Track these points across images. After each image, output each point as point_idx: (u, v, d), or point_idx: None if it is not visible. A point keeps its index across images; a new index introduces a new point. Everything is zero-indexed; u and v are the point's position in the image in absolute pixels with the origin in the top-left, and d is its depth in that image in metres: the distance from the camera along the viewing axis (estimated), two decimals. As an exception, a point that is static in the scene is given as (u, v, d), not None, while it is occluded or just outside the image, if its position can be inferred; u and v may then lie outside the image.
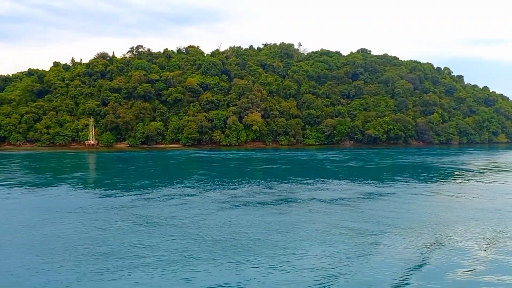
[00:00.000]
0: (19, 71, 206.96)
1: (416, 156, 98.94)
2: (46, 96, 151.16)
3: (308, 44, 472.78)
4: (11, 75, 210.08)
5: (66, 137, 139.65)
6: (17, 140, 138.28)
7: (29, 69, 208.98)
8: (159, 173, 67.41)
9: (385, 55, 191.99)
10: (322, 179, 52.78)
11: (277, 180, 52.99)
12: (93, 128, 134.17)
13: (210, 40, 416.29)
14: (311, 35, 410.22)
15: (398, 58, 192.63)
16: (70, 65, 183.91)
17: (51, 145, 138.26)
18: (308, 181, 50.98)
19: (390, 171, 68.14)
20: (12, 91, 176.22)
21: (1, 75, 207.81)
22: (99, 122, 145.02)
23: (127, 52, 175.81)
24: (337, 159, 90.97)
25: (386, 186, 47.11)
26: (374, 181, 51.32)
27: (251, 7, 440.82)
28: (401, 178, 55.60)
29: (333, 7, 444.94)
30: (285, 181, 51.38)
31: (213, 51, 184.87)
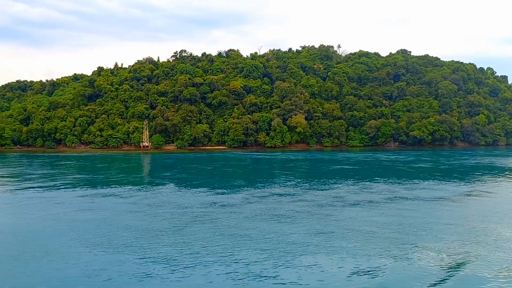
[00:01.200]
0: (63, 76, 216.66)
1: (478, 157, 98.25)
2: (98, 100, 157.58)
3: (345, 46, 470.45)
4: (55, 79, 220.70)
5: (118, 139, 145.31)
6: (73, 143, 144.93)
7: (74, 74, 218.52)
8: (241, 174, 70.76)
9: (426, 55, 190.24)
10: (410, 180, 53.73)
11: (368, 180, 54.67)
12: (147, 131, 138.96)
13: (237, 43, 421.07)
14: (345, 36, 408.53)
15: (439, 59, 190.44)
16: (114, 69, 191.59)
17: (104, 147, 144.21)
18: (400, 181, 52.39)
19: (472, 171, 68.29)
20: (61, 95, 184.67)
21: (48, 80, 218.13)
22: (148, 125, 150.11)
23: (171, 57, 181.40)
24: (402, 160, 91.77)
25: (483, 185, 48.18)
26: (466, 181, 52.37)
27: (278, 10, 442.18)
28: (490, 177, 56.57)
29: (368, 8, 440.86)
30: (379, 181, 52.91)
31: (253, 54, 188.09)
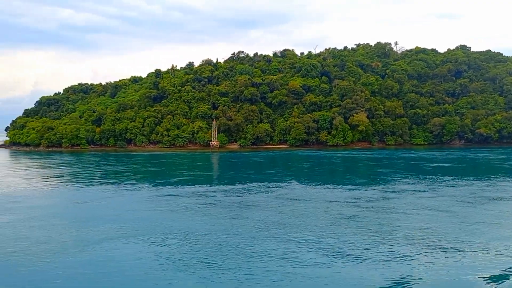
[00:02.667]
0: (120, 79, 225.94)
1: None
2: (163, 101, 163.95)
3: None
4: (112, 82, 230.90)
5: (184, 139, 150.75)
6: (142, 142, 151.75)
7: (132, 76, 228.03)
8: (332, 172, 73.55)
9: (488, 51, 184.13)
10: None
11: (490, 178, 56.09)
12: (216, 131, 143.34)
13: (275, 43, 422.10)
14: (388, 33, 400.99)
15: (502, 54, 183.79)
16: (172, 71, 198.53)
17: (172, 146, 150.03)
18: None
19: None
20: (124, 97, 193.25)
21: (108, 83, 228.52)
22: (211, 125, 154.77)
23: (229, 58, 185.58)
24: (492, 158, 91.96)
25: None
26: None
27: (317, 8, 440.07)
28: None
29: (415, 3, 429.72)
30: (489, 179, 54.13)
31: (309, 53, 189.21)
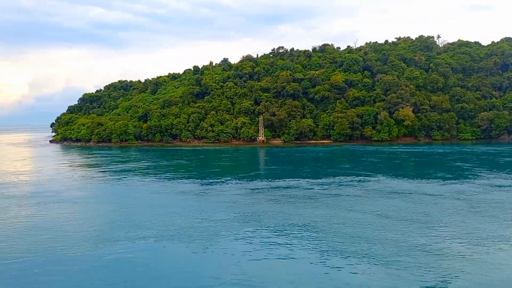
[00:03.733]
0: (158, 76, 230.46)
1: None
2: (206, 97, 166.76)
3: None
4: (150, 79, 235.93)
5: (228, 134, 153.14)
6: (187, 138, 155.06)
7: (169, 73, 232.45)
8: (416, 167, 74.94)
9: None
10: None
11: None
12: (263, 126, 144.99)
13: (304, 38, 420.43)
14: (420, 25, 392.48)
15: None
16: (210, 67, 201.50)
17: (216, 141, 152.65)
18: None
19: None
20: (164, 93, 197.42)
21: (147, 80, 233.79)
22: (254, 120, 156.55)
23: (269, 54, 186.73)
24: None
25: None
26: None
27: (346, 2, 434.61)
28: None
29: None
30: None
31: (349, 48, 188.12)
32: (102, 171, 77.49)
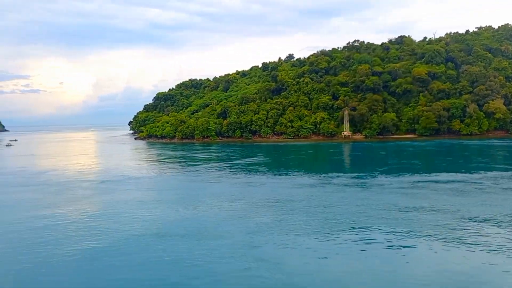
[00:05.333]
0: (226, 73, 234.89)
1: None
2: (282, 93, 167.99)
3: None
4: (217, 76, 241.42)
5: (308, 130, 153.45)
6: (267, 134, 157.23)
7: (237, 70, 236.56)
8: None
9: None
10: None
11: None
12: (348, 121, 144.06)
13: (358, 31, 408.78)
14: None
15: None
16: (279, 63, 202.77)
17: (296, 137, 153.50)
18: None
19: None
20: (236, 90, 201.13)
21: (217, 77, 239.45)
22: (333, 116, 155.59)
23: (343, 48, 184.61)
24: None
25: None
26: None
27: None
28: None
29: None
30: None
31: (427, 39, 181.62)
32: (229, 167, 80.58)
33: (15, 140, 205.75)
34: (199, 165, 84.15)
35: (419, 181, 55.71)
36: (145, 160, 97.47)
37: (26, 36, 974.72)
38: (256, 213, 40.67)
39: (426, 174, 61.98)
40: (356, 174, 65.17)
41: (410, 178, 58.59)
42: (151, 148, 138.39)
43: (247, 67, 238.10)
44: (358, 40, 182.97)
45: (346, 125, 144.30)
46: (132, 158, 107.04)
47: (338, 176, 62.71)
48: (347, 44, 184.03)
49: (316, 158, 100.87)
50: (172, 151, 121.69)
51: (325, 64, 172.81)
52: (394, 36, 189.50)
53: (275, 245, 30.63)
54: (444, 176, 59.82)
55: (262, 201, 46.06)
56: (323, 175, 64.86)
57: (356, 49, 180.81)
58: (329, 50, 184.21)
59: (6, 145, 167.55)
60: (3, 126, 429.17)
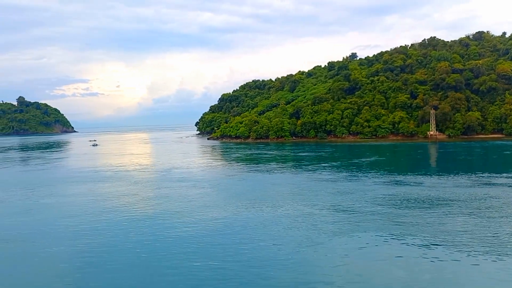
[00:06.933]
0: (288, 74, 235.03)
1: None
2: (356, 92, 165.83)
3: None
4: (279, 77, 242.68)
5: (386, 130, 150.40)
6: (342, 133, 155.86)
7: (299, 70, 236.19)
8: None
9: None
10: None
11: None
12: (434, 120, 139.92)
13: (413, 28, 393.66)
14: None
15: None
16: (346, 62, 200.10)
17: (373, 137, 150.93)
18: None
19: None
20: (304, 90, 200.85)
21: (281, 77, 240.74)
22: (412, 115, 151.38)
23: (419, 45, 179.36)
24: None
25: None
26: None
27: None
28: None
29: None
30: None
31: (511, 34, 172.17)
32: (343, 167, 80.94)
33: (94, 140, 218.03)
34: (317, 164, 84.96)
35: None
36: (239, 159, 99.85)
37: (90, 42, 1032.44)
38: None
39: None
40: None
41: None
42: (231, 148, 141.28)
43: (302, 68, 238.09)
44: (435, 37, 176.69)
45: (432, 124, 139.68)
46: (223, 157, 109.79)
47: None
48: (422, 41, 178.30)
49: (429, 158, 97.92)
50: (265, 150, 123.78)
51: (400, 62, 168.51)
52: (459, 32, 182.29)
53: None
54: None
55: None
56: (456, 176, 63.30)
57: (433, 46, 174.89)
58: (402, 47, 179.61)
59: (93, 145, 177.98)
60: (73, 127, 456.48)
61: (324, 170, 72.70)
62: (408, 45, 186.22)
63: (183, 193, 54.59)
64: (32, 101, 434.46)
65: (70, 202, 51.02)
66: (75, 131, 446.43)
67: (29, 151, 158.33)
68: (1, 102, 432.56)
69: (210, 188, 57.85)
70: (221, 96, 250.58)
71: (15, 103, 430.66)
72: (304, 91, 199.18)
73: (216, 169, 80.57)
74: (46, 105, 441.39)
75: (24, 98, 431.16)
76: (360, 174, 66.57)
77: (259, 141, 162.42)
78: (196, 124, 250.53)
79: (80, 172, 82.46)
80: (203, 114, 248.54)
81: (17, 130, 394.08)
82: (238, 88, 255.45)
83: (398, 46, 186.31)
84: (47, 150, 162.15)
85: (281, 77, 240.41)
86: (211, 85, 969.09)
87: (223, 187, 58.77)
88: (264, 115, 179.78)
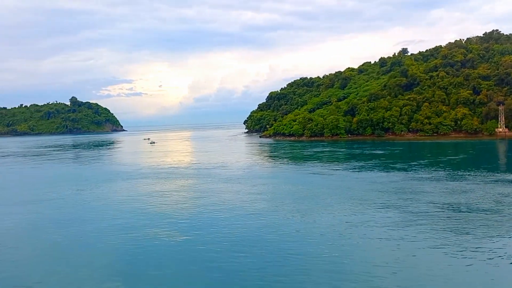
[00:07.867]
0: (336, 71, 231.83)
1: None
2: (415, 88, 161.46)
3: None
4: (327, 74, 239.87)
5: (448, 127, 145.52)
6: (401, 131, 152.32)
7: (348, 67, 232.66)
8: None
9: None
10: None
11: None
12: (503, 116, 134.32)
13: (461, 22, 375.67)
14: None
15: None
16: (398, 57, 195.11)
17: (434, 134, 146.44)
18: None
19: None
20: (356, 87, 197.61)
21: (329, 74, 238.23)
22: (475, 111, 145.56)
23: (479, 39, 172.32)
24: None
25: None
26: None
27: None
28: None
29: None
30: None
31: None
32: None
33: (148, 138, 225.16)
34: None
35: None
36: (307, 158, 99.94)
37: (136, 44, 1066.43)
38: None
39: None
40: None
41: None
42: (289, 146, 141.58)
43: (345, 64, 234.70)
44: (497, 30, 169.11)
45: (502, 121, 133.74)
46: (286, 155, 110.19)
47: None
48: (483, 35, 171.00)
49: None
50: (337, 148, 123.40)
51: (460, 57, 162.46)
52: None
53: None
54: None
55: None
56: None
57: (495, 40, 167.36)
58: (462, 41, 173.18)
59: (150, 143, 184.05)
60: (122, 126, 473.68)
61: (413, 169, 70.90)
62: (463, 39, 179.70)
63: (267, 190, 55.44)
64: (83, 101, 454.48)
65: (156, 194, 53.07)
66: (124, 130, 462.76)
67: (95, 149, 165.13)
68: (56, 102, 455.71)
69: (284, 186, 58.37)
70: (269, 94, 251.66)
71: (68, 103, 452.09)
72: (356, 88, 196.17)
73: (286, 167, 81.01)
74: (97, 104, 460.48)
75: (76, 98, 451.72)
76: (465, 173, 64.58)
77: (313, 139, 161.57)
78: (245, 122, 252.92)
79: (161, 168, 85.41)
80: (251, 113, 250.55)
81: (71, 129, 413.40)
82: (286, 86, 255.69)
83: (453, 41, 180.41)
84: (110, 147, 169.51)
85: (329, 74, 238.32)
86: (252, 84, 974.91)
87: (303, 187, 58.68)
88: (315, 112, 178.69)
